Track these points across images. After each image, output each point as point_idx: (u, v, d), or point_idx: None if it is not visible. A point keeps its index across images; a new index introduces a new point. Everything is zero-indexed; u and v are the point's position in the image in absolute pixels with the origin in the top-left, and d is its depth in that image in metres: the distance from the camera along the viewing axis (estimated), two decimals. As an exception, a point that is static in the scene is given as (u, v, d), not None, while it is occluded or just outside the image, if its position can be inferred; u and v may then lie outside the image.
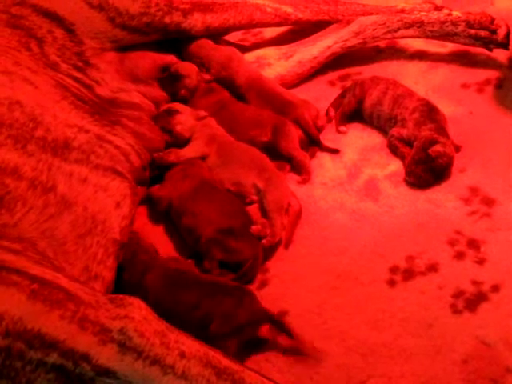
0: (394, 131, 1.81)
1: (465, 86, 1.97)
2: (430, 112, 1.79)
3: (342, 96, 1.97)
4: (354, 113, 1.92)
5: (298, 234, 1.69)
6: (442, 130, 1.74)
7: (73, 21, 1.80)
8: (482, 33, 1.96)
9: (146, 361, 1.15)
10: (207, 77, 2.00)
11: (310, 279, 1.58)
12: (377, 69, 2.07)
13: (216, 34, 2.05)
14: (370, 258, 1.59)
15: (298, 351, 1.43)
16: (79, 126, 1.62)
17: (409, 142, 1.77)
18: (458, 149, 1.76)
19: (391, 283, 1.53)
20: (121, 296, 1.24)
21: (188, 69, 1.99)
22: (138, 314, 1.19)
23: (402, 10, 2.16)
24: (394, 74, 2.01)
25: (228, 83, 2.00)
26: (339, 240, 1.65)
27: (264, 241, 1.63)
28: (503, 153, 1.76)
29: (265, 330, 1.43)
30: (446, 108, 1.86)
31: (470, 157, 1.76)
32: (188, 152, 1.82)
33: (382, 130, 1.88)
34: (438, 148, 1.68)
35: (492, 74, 2.00)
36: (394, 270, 1.56)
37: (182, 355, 1.17)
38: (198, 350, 1.20)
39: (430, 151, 1.67)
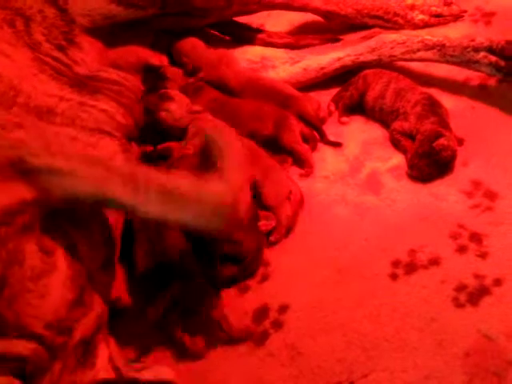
0: (396, 125, 1.80)
1: (467, 80, 1.95)
2: (431, 106, 1.78)
3: (345, 89, 1.97)
4: (356, 106, 1.92)
5: (299, 227, 1.69)
6: (444, 123, 1.74)
7: None
8: (503, 62, 1.83)
9: (43, 174, 1.25)
10: (191, 80, 2.00)
11: (312, 273, 1.58)
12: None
13: (217, 8, 2.01)
14: (371, 252, 1.59)
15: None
16: (59, 96, 1.61)
17: (411, 136, 1.76)
18: (460, 142, 1.76)
19: (393, 277, 1.53)
20: None
21: (175, 73, 2.00)
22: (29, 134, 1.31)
23: (413, 6, 2.15)
24: (397, 68, 2.00)
25: (220, 85, 2.00)
26: (341, 234, 1.65)
27: (271, 238, 1.64)
28: (506, 147, 1.74)
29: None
30: (448, 102, 1.85)
31: (472, 151, 1.75)
32: (200, 142, 1.81)
33: (384, 123, 1.87)
34: (442, 141, 1.67)
35: (495, 67, 1.98)
36: (396, 263, 1.55)
37: (66, 156, 1.29)
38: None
39: (434, 144, 1.67)
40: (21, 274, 1.17)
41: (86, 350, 1.28)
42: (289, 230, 1.67)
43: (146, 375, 1.36)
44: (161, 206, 1.27)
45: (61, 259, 1.27)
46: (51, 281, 1.22)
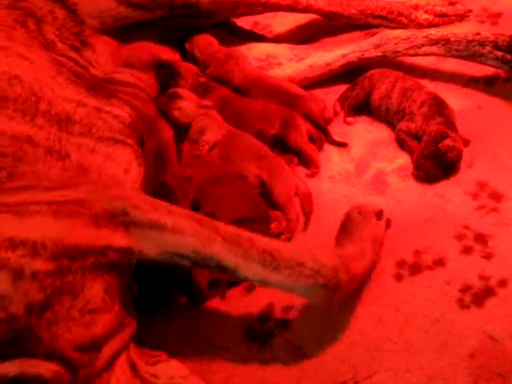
0: (402, 125, 1.80)
1: (473, 79, 1.95)
2: (438, 106, 1.77)
3: (351, 89, 1.97)
4: (362, 106, 1.92)
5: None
6: (450, 124, 1.73)
7: (76, 0, 1.79)
8: (509, 56, 1.83)
9: (145, 227, 1.24)
10: (202, 79, 2.00)
11: (317, 273, 1.58)
12: (386, 62, 2.05)
13: (224, 11, 2.01)
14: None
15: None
16: (77, 101, 1.63)
17: (417, 136, 1.76)
18: (466, 143, 1.75)
19: (398, 277, 1.53)
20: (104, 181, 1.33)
21: (187, 70, 2.00)
22: (128, 190, 1.30)
23: (417, 5, 2.14)
24: (403, 68, 2.00)
25: (225, 82, 2.01)
26: (346, 234, 1.65)
27: (283, 237, 1.64)
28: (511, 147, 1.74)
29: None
30: (454, 102, 1.84)
31: (478, 151, 1.74)
32: (212, 136, 1.82)
33: (390, 123, 1.87)
34: (447, 142, 1.67)
35: (501, 67, 1.98)
36: (400, 264, 1.55)
37: (170, 212, 1.28)
38: (180, 208, 1.33)
39: (439, 145, 1.66)
40: (70, 305, 1.17)
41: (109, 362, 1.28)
42: (307, 223, 1.69)
43: (161, 370, 1.36)
44: (263, 269, 1.28)
45: (118, 302, 1.27)
46: (101, 318, 1.22)
